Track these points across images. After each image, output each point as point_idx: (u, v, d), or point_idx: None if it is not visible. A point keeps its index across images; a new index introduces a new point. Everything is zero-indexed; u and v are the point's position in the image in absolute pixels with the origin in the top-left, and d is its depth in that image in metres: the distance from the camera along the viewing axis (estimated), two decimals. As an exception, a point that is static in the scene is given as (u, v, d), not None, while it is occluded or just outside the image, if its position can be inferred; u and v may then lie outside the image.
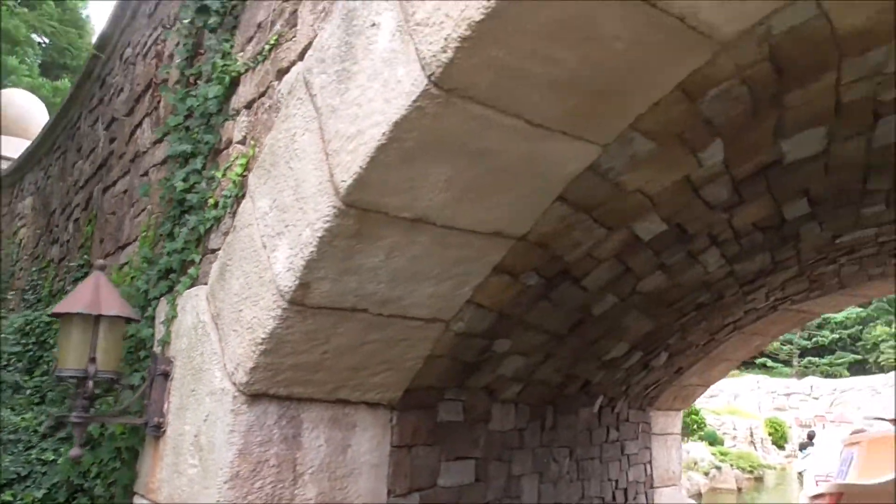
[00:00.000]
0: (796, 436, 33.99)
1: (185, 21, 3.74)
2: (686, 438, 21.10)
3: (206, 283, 3.24)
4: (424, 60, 2.01)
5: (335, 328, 2.84)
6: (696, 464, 17.58)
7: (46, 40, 21.50)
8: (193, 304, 3.28)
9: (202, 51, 3.63)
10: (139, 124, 4.91)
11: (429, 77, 2.01)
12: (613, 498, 6.90)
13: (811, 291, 6.60)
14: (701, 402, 37.86)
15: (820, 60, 2.36)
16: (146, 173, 4.50)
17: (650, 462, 8.08)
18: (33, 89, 16.74)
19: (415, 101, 2.08)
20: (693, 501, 8.87)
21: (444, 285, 2.93)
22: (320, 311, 2.73)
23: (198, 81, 3.61)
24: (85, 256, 5.80)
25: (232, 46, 3.39)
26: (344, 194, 2.36)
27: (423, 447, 3.69)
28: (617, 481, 7.03)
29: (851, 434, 12.27)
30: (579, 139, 2.43)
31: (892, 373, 39.33)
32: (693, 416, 22.62)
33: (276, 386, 2.89)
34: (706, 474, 17.14)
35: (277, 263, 2.66)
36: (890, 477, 8.95)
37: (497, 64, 2.00)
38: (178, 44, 3.87)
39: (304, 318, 2.72)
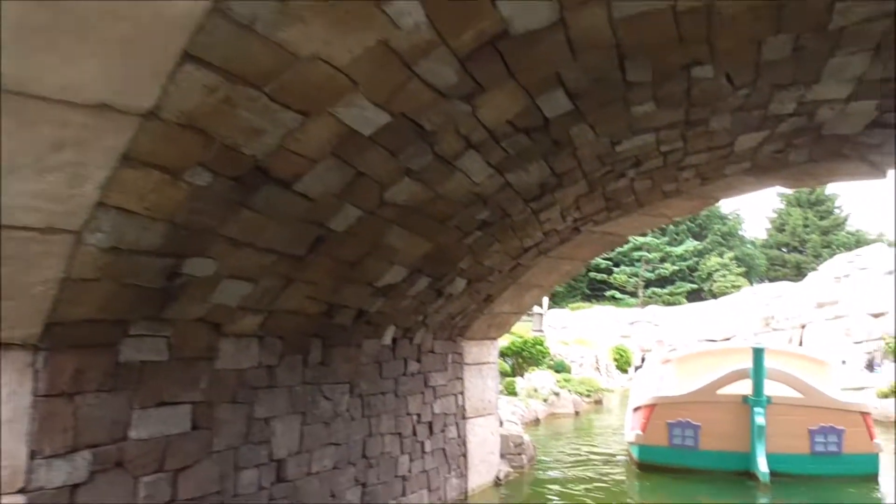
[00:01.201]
0: (638, 360, 36.44)
1: None
2: (532, 368, 21.74)
3: None
4: None
5: None
6: (536, 391, 18.11)
7: None
8: None
9: None
10: None
11: None
12: (414, 433, 6.53)
13: (611, 211, 6.39)
14: (551, 334, 39.57)
15: None
16: None
17: (462, 393, 7.81)
18: None
19: None
20: (501, 428, 8.80)
21: (49, 180, 2.16)
22: None
23: None
24: None
25: None
26: None
27: (96, 394, 2.96)
28: (419, 415, 6.65)
29: (667, 353, 13.22)
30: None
31: (723, 298, 42.94)
32: (538, 347, 23.31)
33: None
34: (545, 401, 17.70)
35: None
36: (693, 388, 9.74)
37: None
38: None
39: None
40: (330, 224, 3.60)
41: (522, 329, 32.12)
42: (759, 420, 9.12)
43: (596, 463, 10.91)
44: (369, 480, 5.59)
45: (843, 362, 29.44)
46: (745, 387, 9.40)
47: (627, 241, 7.89)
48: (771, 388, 9.33)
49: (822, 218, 58.56)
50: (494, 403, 8.56)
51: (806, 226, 58.08)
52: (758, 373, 9.24)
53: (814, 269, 42.40)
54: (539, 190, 4.92)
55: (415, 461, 6.52)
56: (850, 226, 59.16)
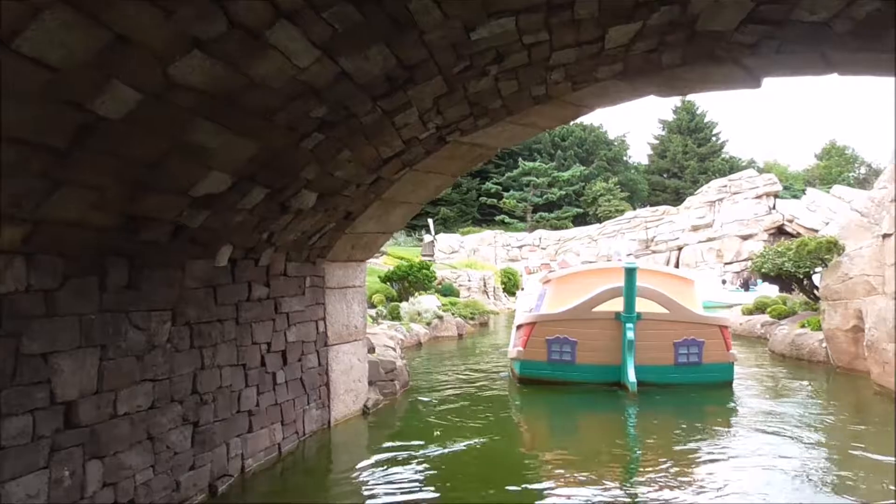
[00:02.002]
0: (525, 282, 37.28)
1: None
2: (420, 293, 21.50)
3: None
4: None
5: None
6: (419, 315, 17.90)
7: None
8: None
9: None
10: None
11: None
12: (263, 363, 5.92)
13: (477, 118, 5.83)
14: (441, 258, 39.65)
15: None
16: None
17: (324, 319, 7.23)
18: None
19: None
20: (371, 355, 8.37)
21: None
22: None
23: None
24: None
25: None
26: None
27: None
28: (269, 344, 6.03)
29: (546, 274, 13.47)
30: None
31: (606, 222, 44.38)
32: (424, 272, 23.07)
33: None
34: (428, 324, 17.53)
35: None
36: (570, 306, 10.13)
37: None
38: None
39: None
40: (95, 107, 2.80)
41: (411, 254, 31.94)
42: (630, 335, 9.60)
43: (476, 382, 10.97)
44: (202, 418, 4.96)
45: (724, 282, 31.29)
46: (619, 304, 9.77)
47: (498, 154, 7.41)
48: (641, 305, 9.71)
49: (700, 145, 61.23)
50: (362, 329, 8.06)
51: (685, 153, 60.59)
52: (629, 291, 9.56)
53: (692, 193, 44.46)
54: (387, 85, 4.25)
55: (264, 394, 5.94)
56: (726, 153, 62.26)
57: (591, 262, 33.02)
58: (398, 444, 7.07)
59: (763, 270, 15.29)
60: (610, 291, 9.84)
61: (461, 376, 11.89)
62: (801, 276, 14.50)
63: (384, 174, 6.22)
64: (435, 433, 7.56)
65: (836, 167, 63.40)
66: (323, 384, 7.18)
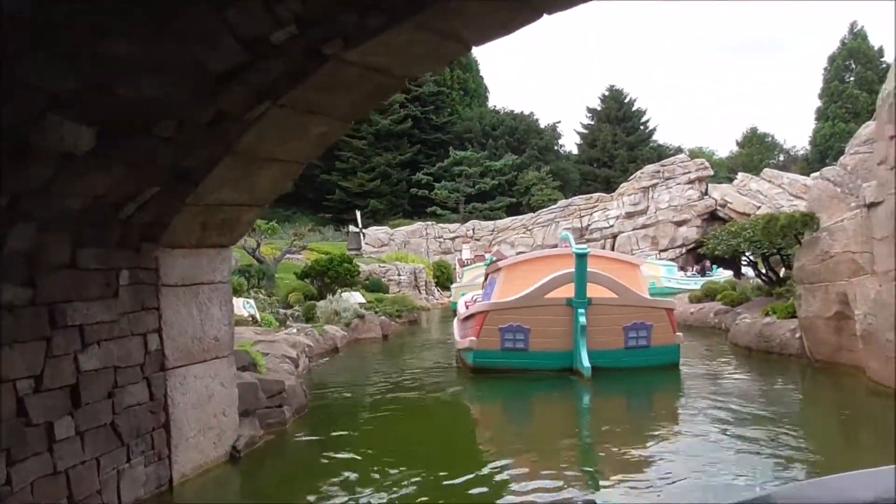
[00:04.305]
0: (459, 276, 35.38)
1: None
2: (343, 290, 19.11)
3: None
4: None
5: None
6: (337, 315, 15.58)
7: None
8: None
9: None
10: None
11: None
12: (22, 411, 3.62)
13: (366, 14, 3.70)
14: (370, 252, 37.28)
15: None
16: None
17: (159, 331, 4.94)
18: None
19: None
20: (247, 374, 6.16)
21: None
22: None
23: None
24: None
25: None
26: None
27: None
28: (37, 379, 3.74)
29: (490, 264, 13.22)
30: None
31: (540, 211, 42.96)
32: (346, 266, 20.74)
33: None
34: (348, 325, 15.25)
35: None
36: (521, 294, 10.01)
37: None
38: None
39: None
40: None
41: (339, 249, 29.47)
42: (582, 320, 9.68)
43: (410, 387, 9.67)
44: None
45: (682, 269, 30.16)
46: (569, 290, 9.80)
47: (404, 85, 5.42)
48: (590, 291, 9.78)
49: (629, 133, 60.83)
50: (226, 342, 5.79)
51: (615, 142, 60.07)
52: (581, 276, 9.62)
53: (621, 182, 43.54)
54: None
55: (26, 461, 3.63)
56: (654, 141, 62.11)
57: (524, 253, 31.43)
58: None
59: (717, 253, 13.73)
60: (562, 277, 9.79)
61: (387, 382, 10.14)
62: (758, 258, 13.02)
63: (228, 107, 3.99)
64: (345, 476, 5.52)
65: (758, 154, 64.14)
66: (157, 426, 4.90)
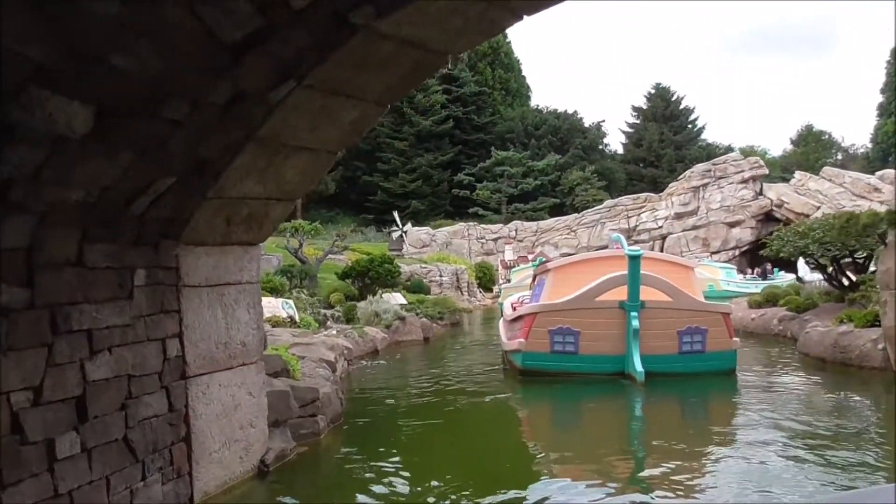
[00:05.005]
0: (502, 277, 34.75)
1: None
2: (385, 291, 18.71)
3: None
4: None
5: None
6: (377, 316, 15.15)
7: None
8: None
9: None
10: None
11: None
12: (17, 428, 3.23)
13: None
14: (411, 252, 36.90)
15: None
16: None
17: (180, 335, 4.53)
18: None
19: None
20: (278, 381, 5.76)
21: None
22: None
23: None
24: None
25: None
26: None
27: None
28: (36, 391, 3.35)
29: (539, 265, 13.06)
30: None
31: (585, 211, 42.02)
32: (387, 266, 20.34)
33: None
34: (388, 327, 14.81)
35: None
36: (571, 296, 9.79)
37: None
38: None
39: None
40: None
41: (380, 250, 29.13)
42: (635, 323, 9.45)
43: (439, 401, 8.92)
44: None
45: (742, 273, 29.00)
46: (620, 293, 9.55)
47: (445, 64, 4.87)
48: (643, 294, 9.51)
49: (676, 133, 59.28)
50: (255, 347, 5.37)
51: (661, 141, 58.62)
52: (634, 278, 9.38)
53: (669, 182, 42.27)
54: None
55: (20, 484, 3.23)
56: (703, 140, 60.41)
57: (569, 255, 30.67)
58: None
59: (782, 255, 12.84)
60: (613, 279, 9.56)
61: (429, 387, 9.75)
62: (828, 261, 12.12)
63: (247, 85, 3.55)
64: (384, 493, 5.11)
65: (814, 153, 61.76)
66: (177, 440, 4.48)
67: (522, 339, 9.94)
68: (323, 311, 15.70)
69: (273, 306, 12.56)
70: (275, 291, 14.87)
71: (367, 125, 4.73)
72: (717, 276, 23.20)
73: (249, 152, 4.22)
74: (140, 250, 4.16)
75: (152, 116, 3.21)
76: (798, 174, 37.10)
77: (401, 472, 5.68)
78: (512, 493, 5.12)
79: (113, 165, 3.37)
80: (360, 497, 5.19)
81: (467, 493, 5.09)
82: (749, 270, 30.13)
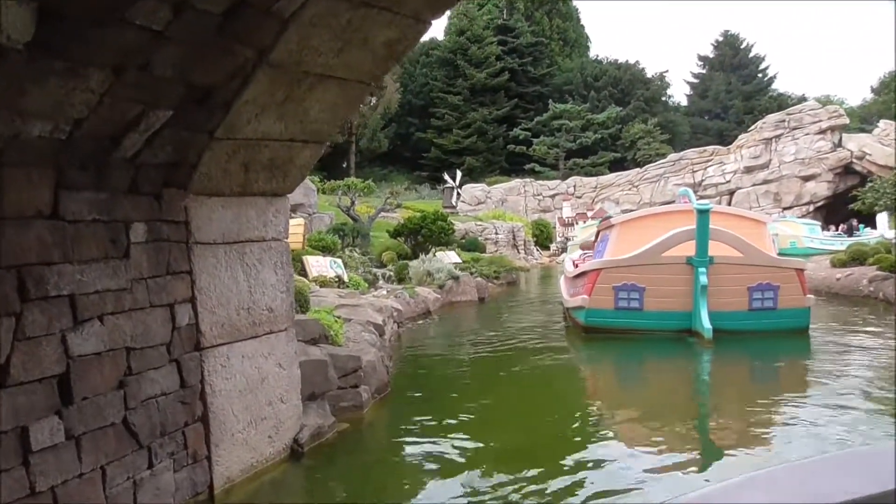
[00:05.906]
0: (559, 234, 33.66)
1: None
2: (438, 249, 18.02)
3: None
4: None
5: None
6: (430, 276, 14.47)
7: None
8: None
9: None
10: None
11: None
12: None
13: None
14: (466, 210, 36.05)
15: None
16: None
17: (192, 300, 3.90)
18: None
19: None
20: (316, 349, 5.15)
21: None
22: None
23: None
24: None
25: None
26: None
27: None
28: (10, 366, 2.73)
29: (603, 220, 12.63)
30: None
31: (647, 166, 40.26)
32: (440, 224, 19.60)
33: None
34: (441, 287, 14.11)
35: None
36: (638, 251, 9.51)
37: None
38: None
39: None
40: None
41: (433, 206, 28.41)
42: (703, 279, 9.14)
43: (497, 367, 8.25)
44: None
45: (826, 230, 27.29)
46: (688, 248, 9.23)
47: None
48: (712, 249, 9.17)
49: (745, 83, 56.18)
50: (285, 312, 4.71)
51: (729, 91, 55.70)
52: (702, 234, 9.06)
53: (737, 135, 39.95)
54: None
55: (-16, 482, 2.65)
56: (774, 89, 57.03)
57: (630, 210, 29.51)
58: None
59: (876, 209, 11.52)
60: (681, 234, 9.22)
61: (485, 352, 9.10)
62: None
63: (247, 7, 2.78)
64: (434, 476, 4.48)
65: (897, 102, 57.59)
66: (192, 420, 3.88)
67: (586, 296, 9.76)
68: (375, 269, 15.12)
69: (321, 265, 12.02)
70: (326, 250, 14.36)
71: (406, 48, 3.91)
72: (800, 232, 21.69)
73: (263, 80, 3.47)
74: (137, 201, 3.50)
75: (121, 22, 2.48)
76: (882, 123, 34.39)
77: (455, 445, 5.07)
78: (573, 458, 4.82)
79: (82, 89, 2.67)
80: (409, 480, 4.58)
81: (527, 476, 4.40)
82: (833, 227, 28.20)
